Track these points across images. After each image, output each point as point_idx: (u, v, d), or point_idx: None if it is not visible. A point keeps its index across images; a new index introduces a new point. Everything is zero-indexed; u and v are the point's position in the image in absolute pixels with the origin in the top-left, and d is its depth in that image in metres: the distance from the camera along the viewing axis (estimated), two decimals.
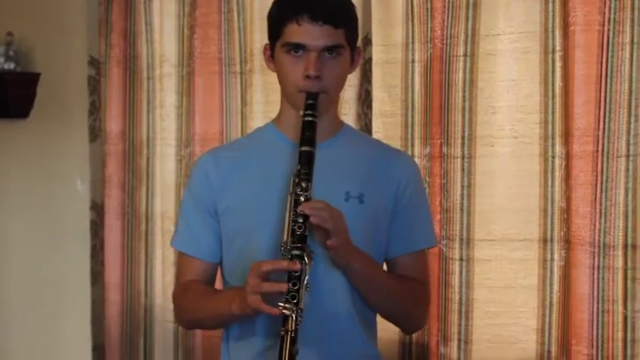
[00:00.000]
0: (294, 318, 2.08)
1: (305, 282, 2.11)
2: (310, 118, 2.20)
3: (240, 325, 2.29)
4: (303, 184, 2.15)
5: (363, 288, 2.28)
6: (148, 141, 3.99)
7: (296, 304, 2.08)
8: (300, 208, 2.12)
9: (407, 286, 2.34)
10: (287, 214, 2.15)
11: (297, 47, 2.22)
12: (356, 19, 2.32)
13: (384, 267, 2.39)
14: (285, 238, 2.14)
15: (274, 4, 2.31)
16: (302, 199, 2.14)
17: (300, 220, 2.12)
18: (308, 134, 2.19)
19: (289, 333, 2.09)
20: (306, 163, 2.17)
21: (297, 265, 2.09)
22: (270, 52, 2.31)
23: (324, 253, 2.19)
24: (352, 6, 2.31)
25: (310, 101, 2.21)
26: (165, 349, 3.95)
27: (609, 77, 2.64)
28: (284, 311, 2.08)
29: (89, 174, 4.28)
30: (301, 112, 2.22)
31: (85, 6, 4.21)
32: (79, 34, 4.24)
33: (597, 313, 2.69)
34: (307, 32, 2.20)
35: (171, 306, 2.46)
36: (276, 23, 2.26)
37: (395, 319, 2.40)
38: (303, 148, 2.18)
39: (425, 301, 2.42)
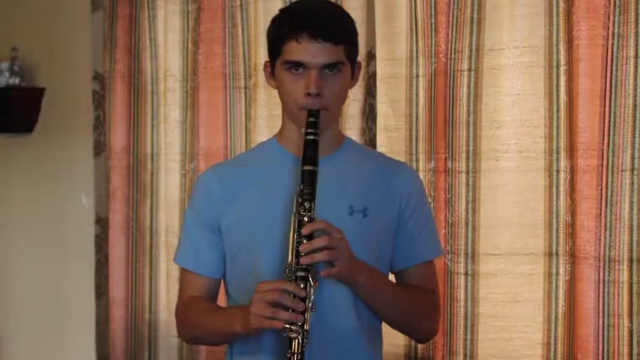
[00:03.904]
0: (300, 341, 2.09)
1: (310, 304, 2.11)
2: (312, 137, 2.20)
3: (245, 343, 2.29)
4: (306, 205, 2.15)
5: (370, 301, 2.28)
6: (153, 156, 4.00)
7: (301, 327, 2.09)
8: (303, 231, 2.13)
9: (415, 296, 2.34)
10: (291, 235, 2.15)
11: (297, 65, 2.22)
12: (356, 34, 2.32)
13: (391, 278, 2.39)
14: (289, 259, 2.14)
15: (273, 22, 2.31)
16: (306, 219, 2.14)
17: (305, 241, 2.12)
18: (310, 153, 2.19)
19: (295, 355, 2.09)
20: (308, 182, 2.17)
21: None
22: (270, 69, 2.32)
23: (329, 268, 2.18)
24: (352, 22, 2.31)
25: (312, 119, 2.21)
26: None
27: (614, 91, 2.64)
28: (290, 334, 2.09)
29: (94, 188, 4.29)
30: (303, 130, 2.22)
31: (89, 21, 4.22)
32: (84, 49, 4.25)
33: (603, 328, 2.68)
34: (307, 50, 2.20)
35: (175, 320, 2.46)
36: (276, 41, 2.26)
37: (406, 329, 2.41)
38: (306, 168, 2.18)
39: (435, 308, 2.43)
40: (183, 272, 2.42)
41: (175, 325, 2.45)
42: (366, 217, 2.28)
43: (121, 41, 4.08)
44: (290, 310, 2.09)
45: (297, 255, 2.12)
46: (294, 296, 2.10)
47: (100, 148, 4.24)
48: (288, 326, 2.08)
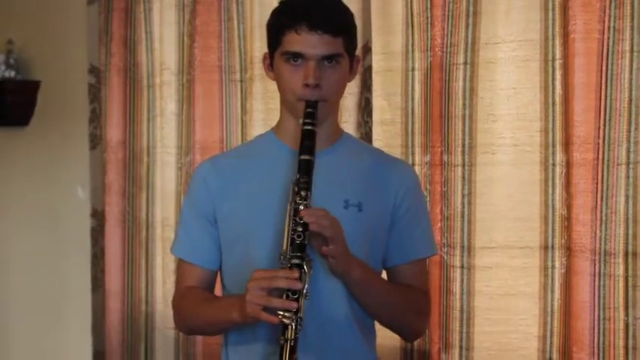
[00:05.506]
0: (293, 327, 2.10)
1: (304, 291, 2.12)
2: (309, 127, 2.20)
3: (240, 332, 2.30)
4: (303, 193, 2.16)
5: (361, 296, 2.28)
6: (148, 149, 3.99)
7: (295, 313, 2.09)
8: (300, 215, 2.13)
9: (406, 295, 2.34)
10: (286, 223, 2.16)
11: (295, 56, 2.23)
12: (354, 27, 2.32)
13: (384, 275, 2.39)
14: (284, 247, 2.15)
15: (273, 14, 2.31)
16: (301, 207, 2.14)
17: (300, 229, 2.13)
18: (307, 143, 2.19)
19: (289, 342, 2.10)
20: (305, 171, 2.17)
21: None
22: (269, 61, 2.32)
23: (323, 260, 2.20)
24: (351, 14, 2.31)
25: (309, 110, 2.22)
26: (166, 355, 3.95)
27: (609, 85, 2.65)
28: (283, 320, 2.09)
29: (90, 181, 4.28)
30: (300, 121, 2.22)
31: (85, 14, 4.21)
32: (80, 42, 4.24)
33: (598, 321, 2.69)
34: (306, 41, 2.21)
35: (171, 313, 2.46)
36: (275, 32, 2.27)
37: (394, 327, 2.41)
38: (303, 157, 2.19)
39: (425, 309, 2.42)
40: (180, 263, 2.43)
41: (172, 316, 2.45)
42: (361, 212, 2.28)
43: (116, 34, 4.07)
44: (284, 297, 2.10)
45: (292, 243, 2.13)
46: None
47: (96, 141, 4.23)
48: (282, 313, 2.09)
